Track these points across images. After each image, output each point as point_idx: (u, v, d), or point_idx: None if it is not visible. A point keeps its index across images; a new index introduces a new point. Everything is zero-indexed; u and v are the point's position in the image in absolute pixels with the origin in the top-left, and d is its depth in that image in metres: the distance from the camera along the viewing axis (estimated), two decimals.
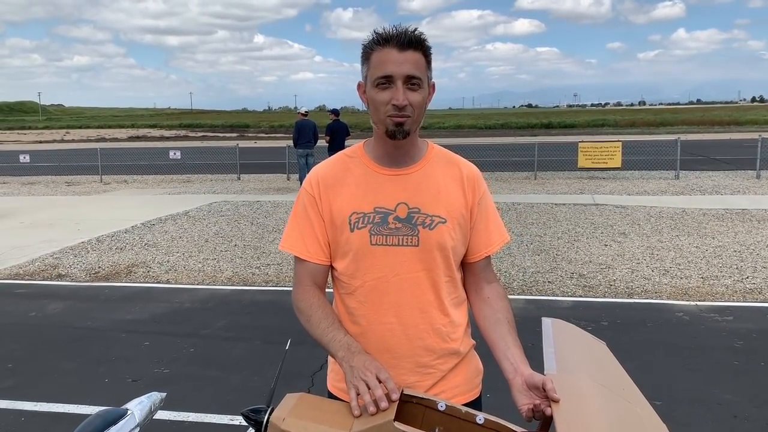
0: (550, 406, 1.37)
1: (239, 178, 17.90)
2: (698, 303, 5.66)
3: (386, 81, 1.52)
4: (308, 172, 10.43)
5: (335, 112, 14.93)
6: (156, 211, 11.88)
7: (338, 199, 1.65)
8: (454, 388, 1.70)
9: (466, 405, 1.61)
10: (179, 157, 19.41)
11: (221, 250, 8.42)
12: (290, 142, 16.09)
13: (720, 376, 4.08)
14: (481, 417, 1.38)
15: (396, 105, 1.52)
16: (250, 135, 55.49)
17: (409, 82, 1.52)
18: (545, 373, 1.56)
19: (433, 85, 1.64)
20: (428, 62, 1.57)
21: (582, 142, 15.07)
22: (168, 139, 50.73)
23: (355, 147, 1.74)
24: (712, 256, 7.34)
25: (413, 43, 1.52)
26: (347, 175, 1.67)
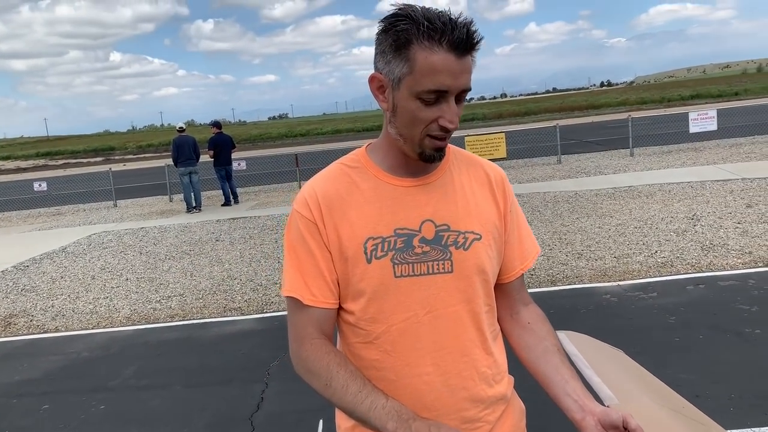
0: None
1: (116, 205, 16.64)
2: (620, 283, 5.73)
3: (437, 95, 1.18)
4: (193, 191, 9.70)
5: (217, 124, 14.26)
6: (27, 250, 10.68)
7: (347, 222, 1.29)
8: None
9: None
10: (45, 189, 17.75)
11: (112, 287, 7.63)
12: (168, 161, 15.20)
13: (667, 356, 4.05)
14: None
15: (446, 127, 1.20)
16: (116, 158, 52.58)
17: (460, 96, 1.21)
18: (605, 403, 1.33)
19: None
20: (475, 64, 1.22)
21: (468, 136, 15.31)
22: (26, 170, 46.80)
23: (355, 154, 1.38)
24: (616, 235, 7.53)
25: (473, 44, 1.17)
26: (354, 190, 1.31)
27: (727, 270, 5.81)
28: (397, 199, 1.29)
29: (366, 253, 1.26)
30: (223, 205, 13.94)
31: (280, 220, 11.11)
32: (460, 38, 1.14)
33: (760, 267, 5.78)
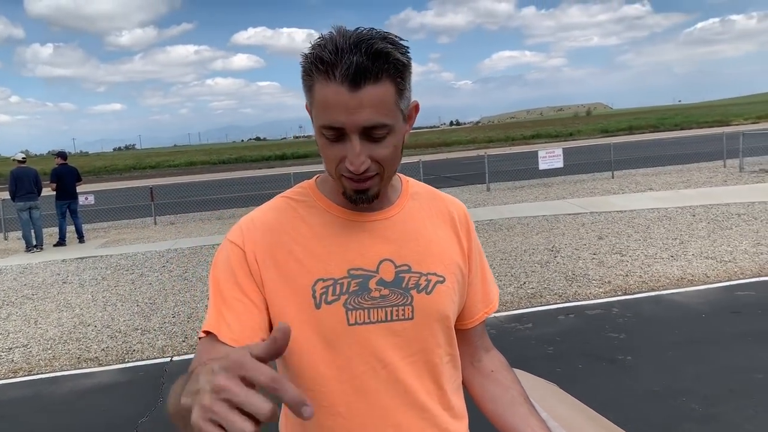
0: None
1: None
2: (496, 315, 5.85)
3: (336, 134, 1.02)
4: (33, 227, 8.76)
5: (62, 154, 13.11)
6: None
7: (292, 260, 1.11)
8: None
9: None
10: None
11: None
12: (4, 195, 13.70)
13: (573, 387, 4.12)
14: None
15: (352, 171, 1.04)
16: None
17: (371, 134, 1.02)
18: None
19: (415, 107, 1.12)
20: (400, 89, 1.03)
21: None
22: None
23: (302, 187, 1.21)
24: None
25: (373, 72, 0.97)
26: (300, 225, 1.14)
27: (591, 299, 6.13)
28: (352, 235, 1.13)
29: (315, 297, 1.09)
30: (56, 245, 12.57)
31: (135, 260, 10.33)
32: (348, 69, 0.96)
33: (620, 296, 6.16)
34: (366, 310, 1.10)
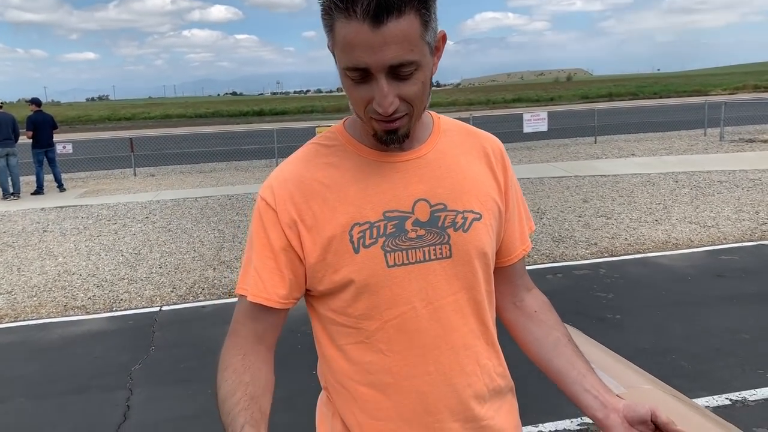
0: None
1: None
2: None
3: (361, 74, 0.99)
4: (11, 175, 8.58)
5: (36, 101, 12.77)
6: None
7: (327, 208, 1.10)
8: None
9: None
10: None
11: None
12: None
13: None
14: None
15: (381, 112, 1.01)
16: None
17: (398, 72, 0.98)
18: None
19: (442, 37, 1.06)
20: (425, 20, 0.98)
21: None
22: None
23: (331, 131, 1.19)
24: None
25: (395, 5, 0.92)
26: (332, 172, 1.13)
27: (579, 260, 6.21)
28: (385, 177, 1.12)
29: (352, 242, 1.09)
30: (34, 194, 12.32)
31: (117, 210, 10.19)
32: (369, 4, 0.91)
33: (606, 257, 6.25)
34: (404, 252, 1.10)
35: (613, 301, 4.98)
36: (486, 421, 1.19)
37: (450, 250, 1.12)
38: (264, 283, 1.12)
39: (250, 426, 1.00)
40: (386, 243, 1.09)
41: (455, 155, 1.18)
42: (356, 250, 1.08)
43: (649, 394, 1.31)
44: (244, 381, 1.08)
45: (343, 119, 1.20)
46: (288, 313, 1.17)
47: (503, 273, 1.28)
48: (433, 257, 1.11)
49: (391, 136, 1.06)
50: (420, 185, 1.12)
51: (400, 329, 1.11)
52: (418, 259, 1.10)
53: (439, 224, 1.11)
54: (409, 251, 1.10)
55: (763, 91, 43.77)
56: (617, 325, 4.49)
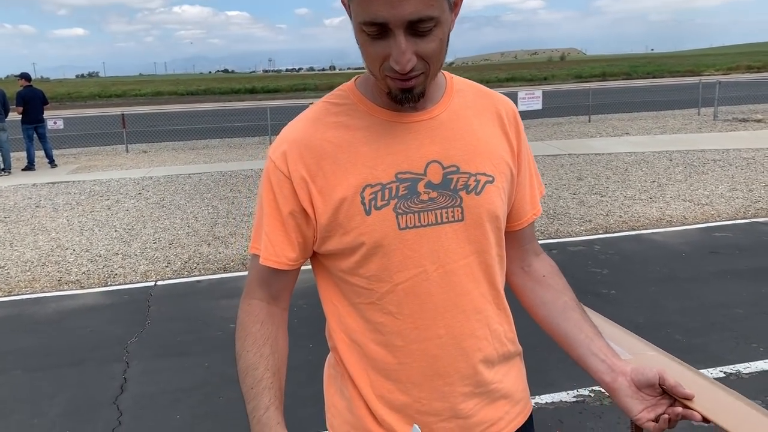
0: (677, 406, 1.07)
1: None
2: None
3: (378, 30, 0.96)
4: (1, 151, 8.54)
5: (26, 76, 12.63)
6: None
7: (338, 169, 1.08)
8: (517, 404, 1.25)
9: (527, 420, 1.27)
10: None
11: None
12: None
13: None
14: None
15: (394, 69, 0.98)
16: None
17: (417, 28, 0.95)
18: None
19: None
20: None
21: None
22: None
23: (342, 90, 1.16)
24: None
25: None
26: (342, 131, 1.10)
27: (573, 236, 6.23)
28: (396, 138, 1.09)
29: (364, 204, 1.06)
30: (25, 170, 12.22)
31: (110, 186, 10.12)
32: None
33: (601, 234, 6.27)
34: (416, 214, 1.08)
35: (607, 276, 5.00)
36: (494, 384, 1.18)
37: (462, 213, 1.10)
38: (274, 247, 1.12)
39: (275, 408, 1.07)
40: (398, 205, 1.07)
41: (468, 116, 1.15)
42: (367, 212, 1.06)
43: (655, 359, 1.31)
44: (265, 354, 1.11)
45: (354, 77, 1.18)
46: (300, 270, 1.17)
47: (512, 237, 1.27)
48: (444, 220, 1.09)
49: (406, 95, 1.03)
50: (433, 147, 1.10)
51: (410, 292, 1.10)
52: (429, 222, 1.09)
53: (452, 187, 1.10)
54: (421, 214, 1.08)
55: (756, 72, 43.78)
56: (612, 300, 4.51)
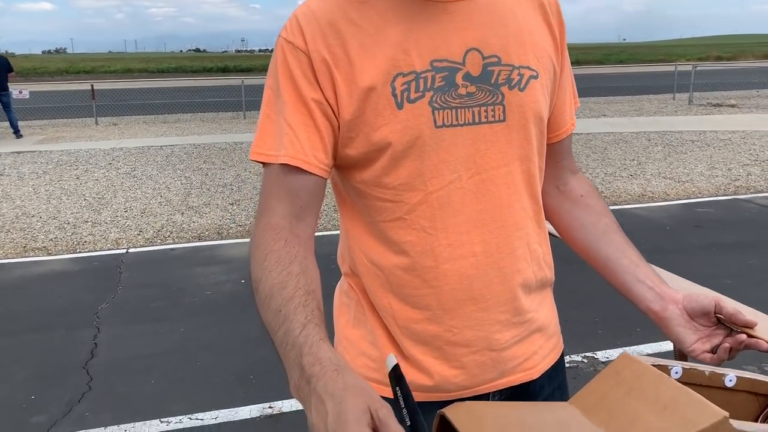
0: (735, 335, 0.95)
1: None
2: None
3: None
4: None
5: None
6: None
7: (363, 54, 0.91)
8: (551, 338, 1.12)
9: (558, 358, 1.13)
10: None
11: None
12: None
13: None
14: (732, 376, 0.86)
15: None
16: None
17: None
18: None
19: None
20: None
21: None
22: None
23: None
24: None
25: None
26: (367, 9, 0.92)
27: None
28: (431, 20, 0.92)
29: (395, 96, 0.90)
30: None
31: (78, 156, 9.78)
32: None
33: None
34: (453, 110, 0.92)
35: None
36: (531, 314, 1.04)
37: (504, 112, 0.94)
38: (301, 142, 0.90)
39: (315, 325, 0.73)
40: (434, 98, 0.90)
41: (508, 1, 0.99)
42: (399, 105, 0.90)
43: (706, 292, 1.19)
44: (294, 272, 0.82)
45: None
46: (325, 188, 0.96)
47: (548, 151, 1.09)
48: (484, 120, 0.93)
49: None
50: (471, 32, 0.93)
51: (445, 203, 0.94)
52: (467, 121, 0.93)
53: (492, 81, 0.93)
54: (459, 110, 0.92)
55: (726, 62, 44.40)
56: (592, 270, 4.43)
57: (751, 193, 6.65)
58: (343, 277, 1.10)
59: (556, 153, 1.12)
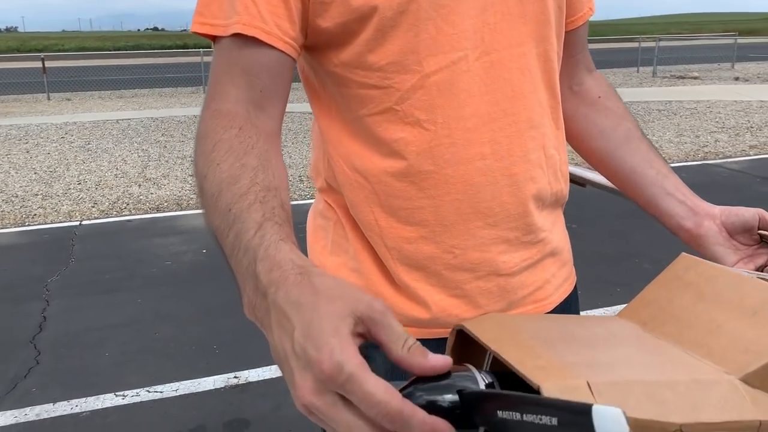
0: None
1: None
2: None
3: None
4: None
5: None
6: None
7: None
8: (564, 265, 0.94)
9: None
10: None
11: None
12: None
13: None
14: None
15: None
16: None
17: None
18: None
19: None
20: None
21: None
22: None
23: None
24: None
25: None
26: None
27: None
28: None
29: None
30: None
31: (28, 130, 9.31)
32: None
33: None
34: None
35: (567, 210, 4.81)
36: (545, 233, 0.84)
37: None
38: (258, 7, 0.69)
39: (274, 223, 0.55)
40: None
41: None
42: None
43: None
44: (250, 164, 0.63)
45: None
46: (292, 73, 0.75)
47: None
48: None
49: None
50: None
51: (446, 89, 0.73)
52: None
53: None
54: None
55: (689, 34, 44.97)
56: (575, 233, 4.25)
57: (720, 158, 6.63)
58: (317, 194, 0.90)
59: (571, 44, 0.91)
